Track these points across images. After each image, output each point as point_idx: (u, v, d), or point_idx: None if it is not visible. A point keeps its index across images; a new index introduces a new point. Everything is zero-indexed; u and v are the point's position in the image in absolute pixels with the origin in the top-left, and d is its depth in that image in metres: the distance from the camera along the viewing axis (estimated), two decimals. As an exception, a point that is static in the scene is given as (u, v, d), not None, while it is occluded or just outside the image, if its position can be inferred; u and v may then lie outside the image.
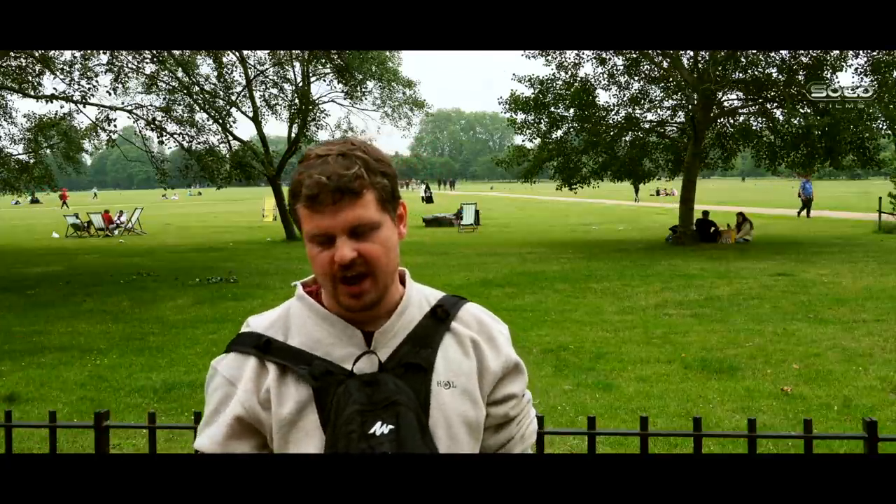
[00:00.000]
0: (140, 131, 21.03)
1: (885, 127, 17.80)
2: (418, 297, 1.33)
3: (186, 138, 21.19)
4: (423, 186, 56.06)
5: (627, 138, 20.40)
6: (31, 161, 22.43)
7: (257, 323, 1.33)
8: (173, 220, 35.61)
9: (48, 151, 23.57)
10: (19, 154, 22.64)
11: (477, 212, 26.29)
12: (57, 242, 24.31)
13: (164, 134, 20.87)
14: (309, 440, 1.22)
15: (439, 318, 1.32)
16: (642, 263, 14.25)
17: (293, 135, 23.56)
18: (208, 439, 1.27)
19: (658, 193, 52.49)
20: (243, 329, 1.33)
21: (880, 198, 21.69)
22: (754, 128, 19.55)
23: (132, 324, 9.23)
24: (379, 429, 1.19)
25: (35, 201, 59.96)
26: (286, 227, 22.95)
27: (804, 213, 28.30)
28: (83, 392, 6.26)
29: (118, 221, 28.03)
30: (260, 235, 24.49)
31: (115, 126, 20.40)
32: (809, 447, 2.16)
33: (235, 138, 22.97)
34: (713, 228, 19.29)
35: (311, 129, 24.03)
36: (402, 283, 1.33)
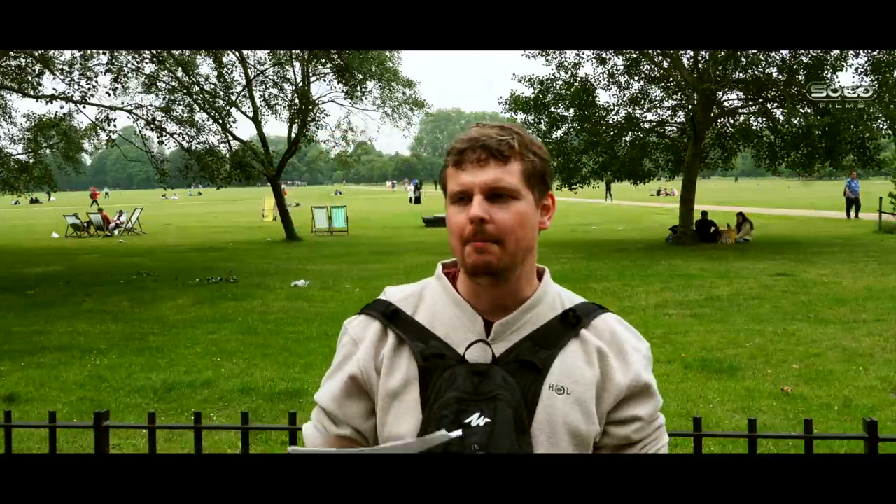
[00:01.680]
0: (140, 131, 21.05)
1: (885, 127, 17.80)
2: (552, 298, 1.31)
3: (186, 138, 21.22)
4: (412, 186, 55.13)
5: (627, 138, 20.41)
6: (31, 161, 22.44)
7: (392, 293, 1.36)
8: (173, 220, 35.61)
9: (48, 151, 23.57)
10: (19, 154, 22.65)
11: (477, 212, 26.28)
12: (57, 242, 24.31)
13: (164, 134, 20.88)
14: (407, 416, 1.24)
15: (569, 323, 1.28)
16: (642, 263, 14.25)
17: (293, 135, 23.56)
18: (326, 393, 1.32)
19: (658, 193, 52.48)
20: (380, 296, 1.36)
21: (881, 198, 21.68)
22: (754, 128, 19.56)
23: (132, 324, 9.23)
24: (476, 419, 1.18)
25: (35, 201, 59.96)
26: (286, 227, 22.96)
27: (853, 214, 26.01)
28: (83, 392, 6.26)
29: (118, 221, 28.03)
30: (260, 235, 24.49)
31: (114, 126, 20.43)
32: (810, 447, 2.16)
33: (235, 138, 22.99)
34: (713, 228, 19.29)
35: (311, 129, 24.04)
36: (540, 279, 1.32)
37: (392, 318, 1.29)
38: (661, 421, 1.32)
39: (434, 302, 1.31)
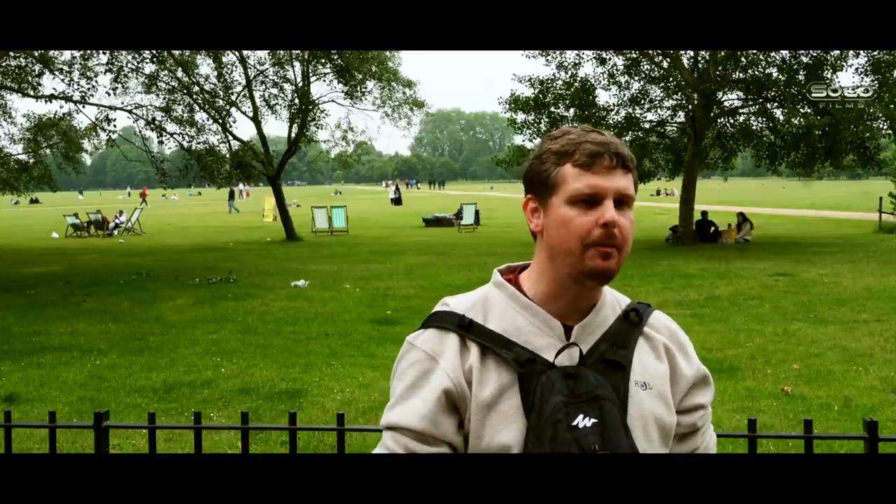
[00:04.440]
0: (140, 131, 21.04)
1: (885, 127, 17.82)
2: (611, 299, 1.35)
3: (186, 138, 21.22)
4: (393, 187, 54.32)
5: (627, 138, 20.41)
6: (31, 161, 22.44)
7: (456, 303, 1.33)
8: (173, 220, 35.61)
9: (48, 151, 23.58)
10: (19, 154, 22.65)
11: (477, 212, 26.29)
12: (57, 242, 24.31)
13: (164, 134, 20.89)
14: (509, 425, 1.23)
15: (632, 322, 1.33)
16: (642, 263, 14.24)
17: (293, 135, 23.57)
18: (412, 414, 1.23)
19: (658, 193, 52.52)
20: (440, 308, 1.33)
21: (881, 198, 21.69)
22: (754, 128, 19.57)
23: (132, 324, 9.23)
24: (581, 421, 1.20)
25: (35, 201, 60.00)
26: (286, 227, 22.97)
27: None
28: (83, 392, 6.26)
29: (117, 221, 28.04)
30: (260, 235, 24.49)
31: (114, 126, 20.44)
32: (810, 447, 2.16)
33: (235, 138, 22.99)
34: (713, 228, 19.29)
35: (311, 129, 24.04)
36: None
37: (468, 328, 1.28)
38: (710, 409, 1.42)
39: (503, 310, 1.30)
